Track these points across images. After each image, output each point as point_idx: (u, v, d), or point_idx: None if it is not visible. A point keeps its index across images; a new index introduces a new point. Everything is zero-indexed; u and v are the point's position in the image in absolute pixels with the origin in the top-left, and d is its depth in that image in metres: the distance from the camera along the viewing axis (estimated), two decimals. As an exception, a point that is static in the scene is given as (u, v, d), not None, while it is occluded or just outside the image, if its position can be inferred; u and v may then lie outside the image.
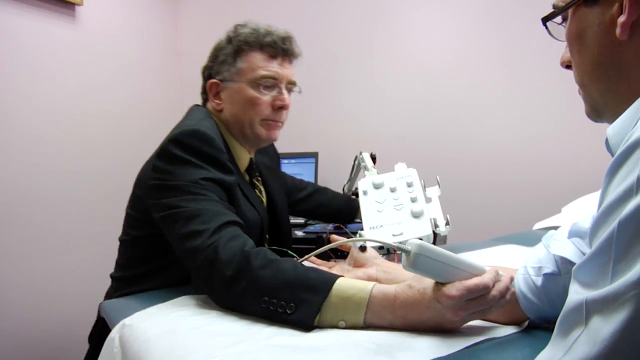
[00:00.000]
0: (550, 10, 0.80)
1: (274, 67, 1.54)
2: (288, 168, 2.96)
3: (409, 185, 1.55)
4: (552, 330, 0.95)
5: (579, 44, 0.75)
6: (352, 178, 2.20)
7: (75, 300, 2.60)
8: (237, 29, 1.56)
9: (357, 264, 1.28)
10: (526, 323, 1.02)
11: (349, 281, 1.04)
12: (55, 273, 2.61)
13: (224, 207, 1.28)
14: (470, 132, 2.76)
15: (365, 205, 1.54)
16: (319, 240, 2.09)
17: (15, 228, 2.46)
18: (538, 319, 1.00)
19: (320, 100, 3.16)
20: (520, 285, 1.00)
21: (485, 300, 0.93)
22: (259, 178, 1.74)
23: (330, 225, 2.29)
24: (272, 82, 1.54)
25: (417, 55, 2.91)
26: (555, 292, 0.95)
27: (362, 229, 1.48)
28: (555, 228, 1.12)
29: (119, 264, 1.63)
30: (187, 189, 1.27)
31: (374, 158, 1.90)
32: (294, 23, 3.28)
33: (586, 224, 0.90)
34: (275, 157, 1.95)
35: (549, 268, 0.96)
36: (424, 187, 1.58)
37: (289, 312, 1.01)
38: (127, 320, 1.10)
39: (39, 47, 2.58)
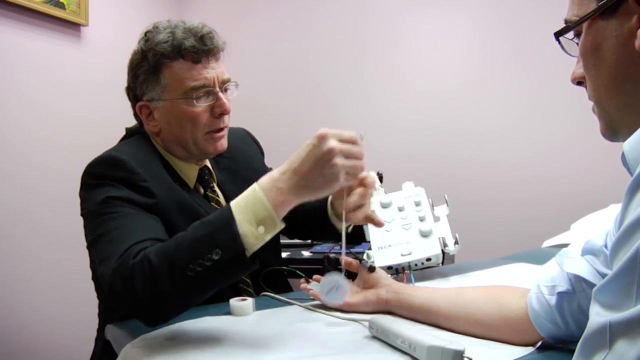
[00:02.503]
0: (562, 25, 0.78)
1: (201, 74, 1.38)
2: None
3: (417, 204, 1.54)
4: (566, 351, 0.95)
5: (595, 58, 0.72)
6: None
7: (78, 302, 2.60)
8: (149, 38, 1.40)
9: (367, 285, 1.26)
10: (539, 343, 0.99)
11: (237, 199, 1.06)
12: (61, 274, 2.63)
13: (142, 220, 1.22)
14: (477, 150, 2.76)
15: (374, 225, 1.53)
16: (325, 260, 2.08)
17: (26, 229, 2.51)
18: (552, 339, 0.98)
19: (326, 119, 3.16)
20: (534, 304, 0.98)
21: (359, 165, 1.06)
22: (215, 189, 1.58)
23: (338, 245, 2.27)
24: (205, 90, 1.39)
25: (423, 72, 2.92)
26: (569, 311, 0.93)
27: (369, 249, 1.47)
28: (565, 246, 1.11)
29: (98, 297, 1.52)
30: (97, 211, 1.22)
31: (380, 177, 1.89)
32: (298, 38, 3.31)
33: (600, 241, 0.89)
34: (249, 151, 1.77)
35: (563, 286, 0.94)
36: (432, 206, 1.56)
37: (217, 258, 0.99)
38: (133, 344, 1.08)
39: (45, 67, 2.61)
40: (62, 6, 2.64)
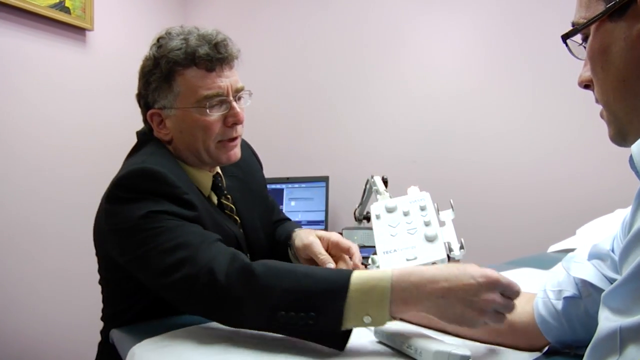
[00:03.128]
0: (570, 28, 0.77)
1: (214, 82, 1.35)
2: (298, 192, 2.96)
3: (422, 208, 1.53)
4: (572, 356, 0.94)
5: (603, 61, 0.72)
6: (364, 202, 2.19)
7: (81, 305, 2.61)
8: (162, 45, 1.36)
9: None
10: (546, 348, 0.99)
11: (365, 273, 1.00)
12: (64, 279, 2.64)
13: (191, 227, 1.20)
14: (482, 155, 2.75)
15: (378, 229, 1.52)
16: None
17: (30, 234, 2.54)
18: (558, 343, 0.98)
19: (331, 124, 3.17)
20: (540, 309, 0.98)
21: (509, 304, 0.92)
22: (228, 196, 1.56)
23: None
24: (219, 99, 1.36)
25: (428, 77, 2.91)
26: (576, 316, 0.93)
27: (374, 254, 1.46)
28: (570, 251, 1.10)
29: (103, 302, 1.50)
30: (139, 227, 1.16)
31: (385, 182, 1.88)
32: (302, 42, 3.31)
33: (607, 245, 0.88)
34: (252, 169, 1.74)
35: (570, 291, 0.94)
36: (438, 211, 1.56)
37: (310, 322, 0.95)
38: (137, 348, 1.08)
39: (51, 71, 2.63)
40: (67, 11, 2.65)
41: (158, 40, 1.38)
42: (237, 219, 1.55)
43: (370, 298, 0.95)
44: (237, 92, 1.41)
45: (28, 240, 2.53)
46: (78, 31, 2.77)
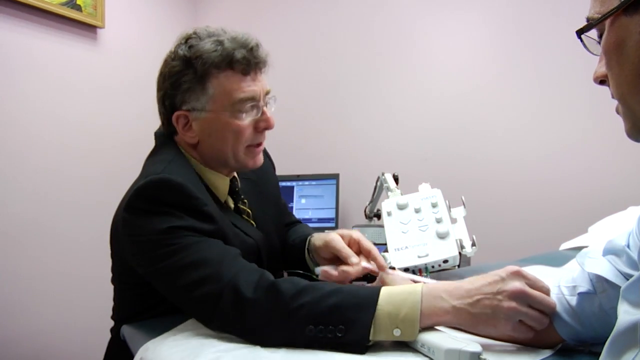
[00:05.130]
0: (580, 25, 0.77)
1: (249, 86, 1.34)
2: (309, 190, 2.95)
3: (434, 205, 1.53)
4: (587, 353, 0.94)
5: (619, 55, 0.71)
6: (374, 199, 2.19)
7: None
8: (192, 45, 1.33)
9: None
10: (560, 345, 0.98)
11: (395, 287, 1.02)
12: (71, 278, 2.66)
13: (212, 242, 1.19)
14: (494, 152, 2.74)
15: (390, 226, 1.52)
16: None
17: (40, 234, 2.55)
18: (573, 340, 0.97)
19: (342, 121, 3.17)
20: (554, 305, 0.97)
21: (540, 318, 0.95)
22: (245, 201, 1.54)
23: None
24: (252, 104, 1.35)
25: (439, 74, 2.91)
26: (590, 312, 0.92)
27: (386, 251, 1.46)
28: (582, 248, 1.09)
29: (116, 302, 1.49)
30: (164, 240, 1.15)
31: (396, 179, 1.88)
32: (311, 41, 3.31)
33: (622, 241, 0.87)
34: (266, 170, 1.70)
35: (584, 287, 0.93)
36: (449, 208, 1.55)
37: (339, 335, 0.96)
38: (150, 344, 1.08)
39: (61, 69, 2.65)
40: (78, 8, 2.66)
41: (187, 40, 1.35)
42: (254, 223, 1.54)
43: (401, 311, 0.97)
44: (266, 95, 1.41)
45: (37, 239, 2.54)
46: (89, 29, 2.78)
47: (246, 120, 1.35)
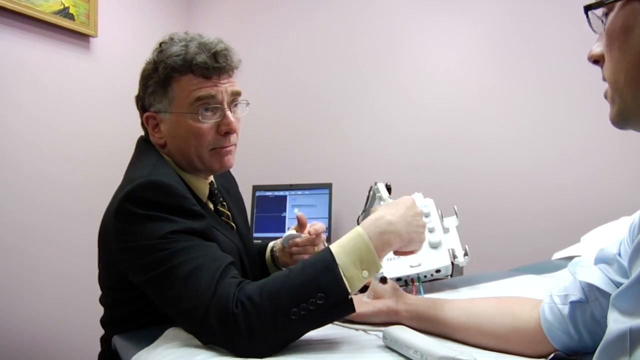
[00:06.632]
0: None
1: (208, 88, 1.35)
2: (302, 199, 2.95)
3: (426, 215, 1.54)
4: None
5: (622, 40, 0.69)
6: (367, 209, 2.18)
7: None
8: (163, 50, 1.37)
9: (376, 296, 1.25)
10: (552, 355, 0.98)
11: (338, 241, 1.10)
12: (67, 283, 2.65)
13: (206, 248, 1.18)
14: (486, 162, 2.75)
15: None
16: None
17: (37, 241, 2.55)
18: (564, 350, 0.96)
19: (334, 131, 3.17)
20: (546, 314, 0.97)
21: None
22: (224, 203, 1.58)
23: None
24: (212, 105, 1.36)
25: (432, 83, 2.92)
26: (582, 321, 0.92)
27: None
28: (574, 258, 1.09)
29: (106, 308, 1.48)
30: (159, 247, 1.14)
31: (389, 188, 1.87)
32: (305, 49, 3.32)
33: (613, 249, 0.87)
34: (233, 181, 1.79)
35: (576, 296, 0.93)
36: (442, 217, 1.56)
37: (321, 302, 1.00)
38: (142, 353, 1.08)
39: (54, 77, 2.65)
40: (71, 17, 2.66)
41: (160, 45, 1.40)
42: (234, 225, 1.58)
43: (359, 256, 1.06)
44: (233, 96, 1.41)
45: (32, 245, 2.53)
46: (82, 37, 2.78)
47: (206, 123, 1.37)
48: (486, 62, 2.78)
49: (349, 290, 1.02)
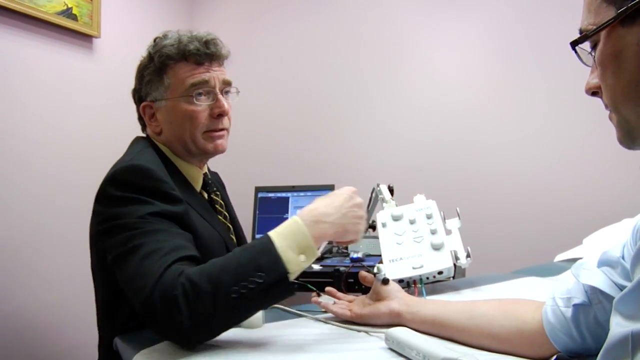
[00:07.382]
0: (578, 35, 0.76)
1: (201, 74, 1.45)
2: (304, 201, 2.94)
3: (429, 217, 1.53)
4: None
5: (615, 66, 0.70)
6: (370, 210, 2.18)
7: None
8: (157, 43, 1.49)
9: (378, 297, 1.25)
10: (554, 357, 0.98)
11: (277, 228, 1.14)
12: (70, 281, 2.66)
13: (175, 240, 1.18)
14: (489, 163, 2.75)
15: (385, 237, 1.52)
16: (336, 273, 2.06)
17: (39, 239, 2.54)
18: (567, 352, 0.96)
19: (337, 132, 3.17)
20: (549, 316, 0.97)
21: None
22: (217, 193, 1.66)
23: (348, 258, 2.25)
24: (205, 89, 1.46)
25: (434, 85, 2.92)
26: (585, 324, 0.92)
27: (381, 262, 1.46)
28: (577, 260, 1.09)
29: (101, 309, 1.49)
30: (131, 226, 1.18)
31: (391, 190, 1.87)
32: (307, 50, 3.32)
33: (617, 252, 0.87)
34: (222, 185, 1.87)
35: (579, 298, 0.93)
36: (444, 219, 1.55)
37: (260, 281, 1.03)
38: (143, 355, 1.08)
39: (57, 78, 2.64)
40: (74, 18, 2.66)
41: (155, 40, 1.51)
42: (227, 214, 1.66)
43: (293, 238, 1.10)
44: (225, 85, 1.51)
45: (36, 244, 2.53)
46: (85, 38, 2.78)
47: (200, 105, 1.46)
48: (489, 64, 2.78)
49: (288, 270, 1.05)
